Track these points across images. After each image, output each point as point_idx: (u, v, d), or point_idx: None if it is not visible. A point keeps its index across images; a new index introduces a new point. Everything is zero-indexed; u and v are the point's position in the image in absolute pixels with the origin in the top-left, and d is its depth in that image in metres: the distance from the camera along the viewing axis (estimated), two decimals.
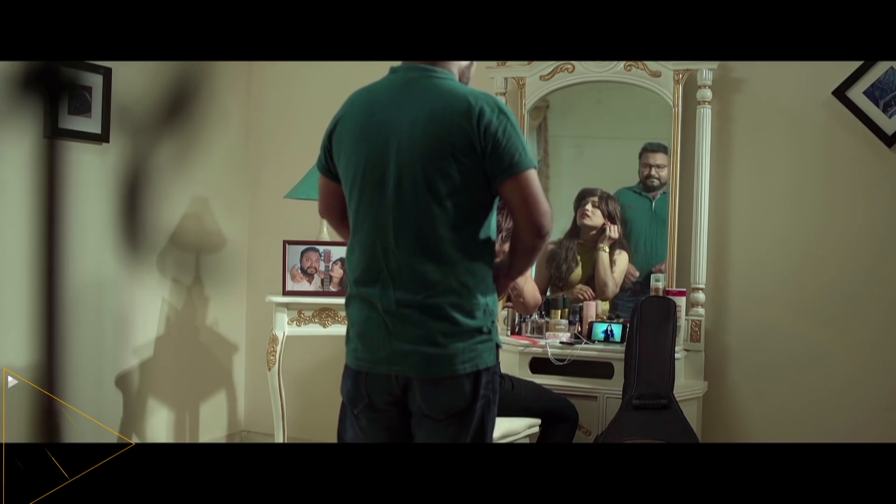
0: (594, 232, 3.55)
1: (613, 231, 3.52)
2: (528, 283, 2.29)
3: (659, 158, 3.52)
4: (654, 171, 3.53)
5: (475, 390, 1.88)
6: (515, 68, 3.58)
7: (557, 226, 3.54)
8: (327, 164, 2.02)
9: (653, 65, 3.40)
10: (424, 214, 1.84)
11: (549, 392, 3.09)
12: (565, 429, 3.03)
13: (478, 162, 1.82)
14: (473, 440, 1.91)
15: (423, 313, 1.84)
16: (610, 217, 3.54)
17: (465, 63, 2.00)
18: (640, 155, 3.58)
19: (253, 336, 4.19)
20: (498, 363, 1.95)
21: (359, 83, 2.04)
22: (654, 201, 3.55)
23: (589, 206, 3.55)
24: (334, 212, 2.08)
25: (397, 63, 1.98)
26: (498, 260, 1.97)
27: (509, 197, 1.85)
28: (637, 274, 3.55)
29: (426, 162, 1.83)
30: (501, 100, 2.16)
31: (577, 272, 3.58)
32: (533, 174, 1.84)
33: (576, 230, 3.60)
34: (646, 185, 3.56)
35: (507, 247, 2.00)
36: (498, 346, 1.94)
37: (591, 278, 3.56)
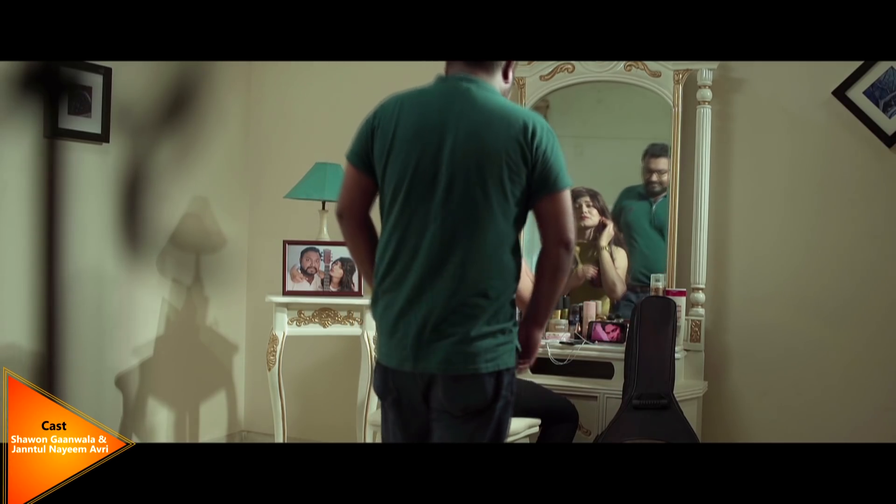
0: (591, 230, 3.54)
1: (611, 227, 3.50)
2: (525, 277, 2.31)
3: (662, 164, 3.49)
4: (655, 177, 3.50)
5: (497, 390, 1.94)
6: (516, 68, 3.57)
7: None
8: (365, 156, 2.00)
9: (653, 65, 3.40)
10: (469, 218, 1.91)
11: (549, 392, 3.09)
12: (565, 429, 3.03)
13: (525, 175, 1.92)
14: (492, 440, 1.96)
15: (452, 313, 1.90)
16: (603, 213, 3.53)
17: (506, 86, 2.09)
18: (643, 157, 3.55)
19: (253, 336, 4.18)
20: (515, 365, 2.01)
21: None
22: (655, 205, 3.53)
23: (584, 207, 3.53)
24: (356, 210, 2.06)
25: (426, 67, 2.03)
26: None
27: (545, 210, 1.95)
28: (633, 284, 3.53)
29: (481, 168, 1.90)
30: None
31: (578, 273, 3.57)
32: (568, 193, 1.96)
33: None
34: (647, 190, 3.55)
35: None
36: (517, 349, 1.99)
37: (593, 280, 3.55)
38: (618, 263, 3.52)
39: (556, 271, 1.98)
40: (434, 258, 1.91)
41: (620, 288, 3.50)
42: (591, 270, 3.52)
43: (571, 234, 1.96)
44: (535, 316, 2.04)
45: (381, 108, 2.01)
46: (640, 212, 3.56)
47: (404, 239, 1.94)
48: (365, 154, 2.00)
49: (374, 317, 2.04)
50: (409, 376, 1.96)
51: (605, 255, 3.50)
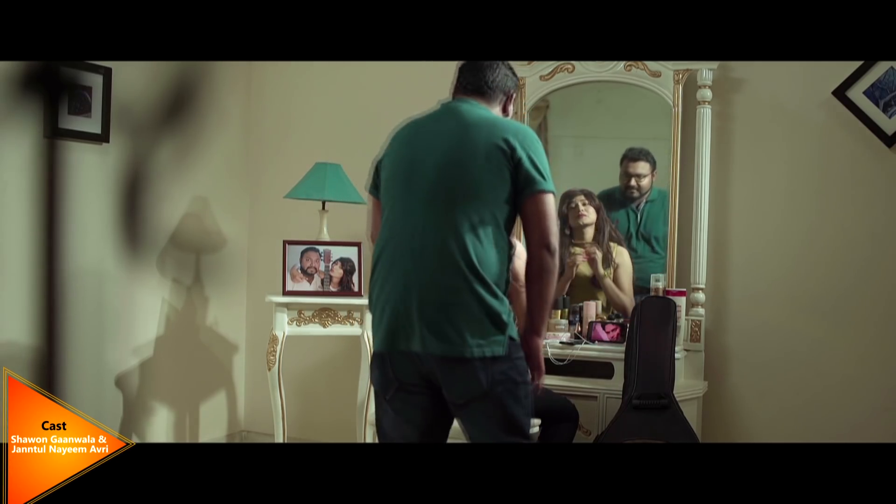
0: (588, 228, 3.50)
1: (598, 254, 3.42)
2: (519, 260, 2.32)
3: (640, 167, 3.46)
4: (634, 182, 3.46)
5: (489, 376, 1.99)
6: (516, 68, 3.56)
7: None
8: (375, 183, 2.21)
9: (653, 65, 3.39)
10: (449, 208, 2.01)
11: (548, 392, 3.09)
12: (565, 429, 3.03)
13: (509, 173, 2.03)
14: (505, 428, 2.02)
15: (442, 299, 1.99)
16: (597, 212, 3.49)
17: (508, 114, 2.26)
18: (622, 161, 3.50)
19: (253, 336, 4.19)
20: (517, 355, 2.06)
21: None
22: (640, 212, 3.50)
23: (580, 206, 3.51)
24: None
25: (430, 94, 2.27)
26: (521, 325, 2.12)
27: (527, 211, 2.06)
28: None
29: (463, 164, 2.02)
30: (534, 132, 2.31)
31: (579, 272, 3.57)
32: (550, 197, 2.06)
33: (568, 232, 3.55)
34: (625, 195, 3.52)
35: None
36: (512, 339, 2.04)
37: (593, 278, 3.53)
38: (623, 269, 3.47)
39: (541, 272, 2.06)
40: (417, 246, 2.01)
41: (630, 302, 3.41)
42: (579, 258, 3.48)
43: (554, 238, 2.05)
44: (531, 321, 2.10)
45: (388, 140, 2.20)
46: (624, 222, 3.52)
47: (393, 232, 2.07)
48: (376, 180, 2.21)
49: (369, 308, 2.15)
50: (404, 358, 2.04)
51: (608, 282, 3.44)
